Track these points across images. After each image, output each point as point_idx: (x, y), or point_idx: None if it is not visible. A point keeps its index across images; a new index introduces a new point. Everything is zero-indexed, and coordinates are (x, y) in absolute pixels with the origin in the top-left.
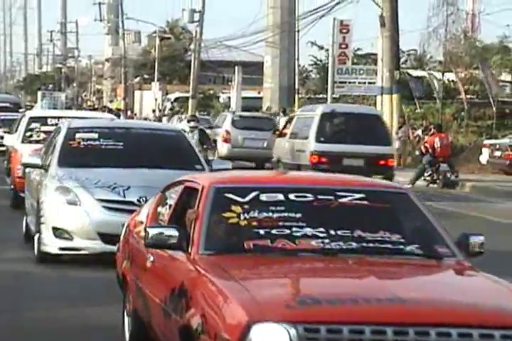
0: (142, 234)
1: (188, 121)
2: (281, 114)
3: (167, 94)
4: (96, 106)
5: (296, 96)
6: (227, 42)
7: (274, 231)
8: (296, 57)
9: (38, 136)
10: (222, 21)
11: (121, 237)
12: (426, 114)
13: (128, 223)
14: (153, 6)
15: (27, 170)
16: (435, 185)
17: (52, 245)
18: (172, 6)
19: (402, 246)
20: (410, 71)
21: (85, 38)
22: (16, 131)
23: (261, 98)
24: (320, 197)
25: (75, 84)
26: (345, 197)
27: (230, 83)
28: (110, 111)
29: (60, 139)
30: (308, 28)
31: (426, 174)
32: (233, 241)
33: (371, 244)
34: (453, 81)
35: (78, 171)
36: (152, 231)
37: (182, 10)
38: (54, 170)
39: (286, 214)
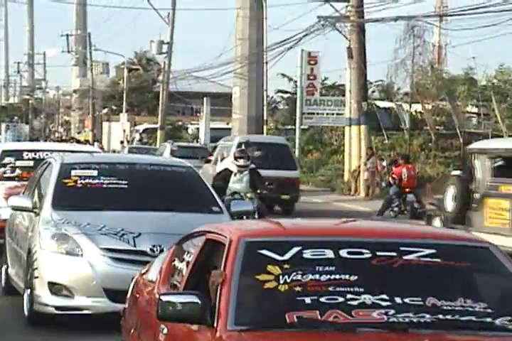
0: (154, 297)
1: (236, 158)
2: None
3: (135, 125)
4: (64, 138)
5: (265, 127)
6: (196, 74)
7: (323, 299)
8: (265, 88)
9: (13, 172)
10: (191, 52)
11: (128, 297)
12: (394, 145)
13: (136, 280)
14: (121, 38)
15: (11, 212)
16: (403, 216)
17: (48, 304)
18: (140, 37)
19: (489, 319)
20: (378, 102)
21: (53, 70)
22: None
23: (229, 129)
24: (380, 253)
25: (42, 116)
26: (411, 253)
27: (198, 114)
28: (78, 142)
29: (52, 177)
30: (277, 59)
31: (393, 205)
32: (271, 312)
33: (449, 316)
34: (420, 112)
35: (77, 215)
36: (167, 299)
37: (150, 41)
38: (48, 213)
39: (337, 277)
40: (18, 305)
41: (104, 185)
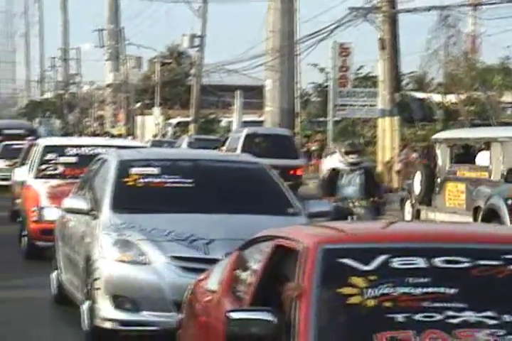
0: (216, 310)
1: (346, 154)
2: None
3: (168, 119)
4: (98, 132)
5: (297, 119)
6: (228, 67)
7: (418, 317)
8: (297, 80)
9: (56, 169)
10: (223, 45)
11: (185, 307)
12: (427, 136)
13: (193, 288)
14: (153, 32)
15: (61, 213)
16: None
17: (110, 318)
18: (172, 30)
19: None
20: (411, 93)
21: (87, 64)
22: (23, 163)
23: (262, 122)
24: (481, 262)
25: (76, 110)
26: None
27: (230, 107)
28: (112, 136)
29: (110, 175)
30: (308, 51)
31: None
32: (358, 332)
33: None
34: (454, 103)
35: (140, 218)
36: (236, 317)
37: (182, 35)
38: (107, 216)
39: (433, 290)
40: (75, 317)
41: (168, 185)
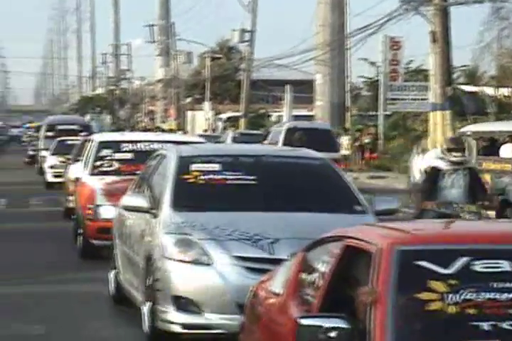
0: (283, 315)
1: (450, 150)
2: (343, 132)
3: (219, 113)
4: (149, 127)
5: (348, 113)
6: (278, 61)
7: (505, 325)
8: (347, 74)
9: (110, 166)
10: (272, 40)
11: (247, 309)
12: None
13: (256, 289)
14: (203, 27)
15: (118, 211)
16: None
17: (173, 321)
18: (222, 25)
19: None
20: (463, 87)
21: (137, 60)
22: (77, 159)
23: (312, 116)
24: None
25: (127, 106)
26: None
27: (281, 102)
28: (163, 131)
29: (170, 172)
30: (359, 45)
31: None
32: None
33: None
34: (507, 96)
35: (201, 216)
36: (308, 323)
37: (232, 30)
38: (168, 215)
39: None
40: (134, 319)
41: (229, 181)
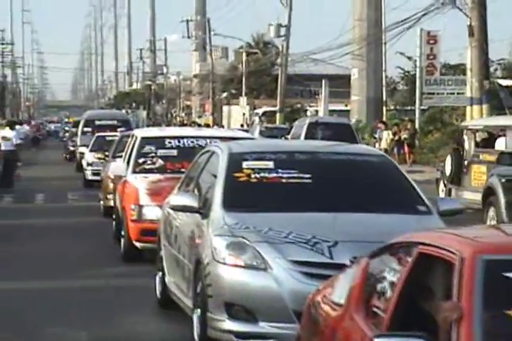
0: (348, 329)
1: None
2: (383, 126)
3: (255, 108)
4: (185, 122)
5: (384, 108)
6: (314, 56)
7: None
8: (384, 69)
9: (154, 164)
10: (308, 35)
11: (305, 319)
12: None
13: (313, 298)
14: (239, 22)
15: (165, 211)
16: None
17: (225, 329)
18: (258, 20)
19: None
20: (500, 80)
21: (174, 55)
22: (115, 155)
23: (348, 111)
24: None
25: (164, 101)
26: None
27: (317, 96)
28: (199, 126)
29: (220, 170)
30: (395, 39)
31: None
32: None
33: None
34: None
35: (254, 217)
36: None
37: (268, 25)
38: (219, 215)
39: None
40: (182, 325)
41: (284, 180)
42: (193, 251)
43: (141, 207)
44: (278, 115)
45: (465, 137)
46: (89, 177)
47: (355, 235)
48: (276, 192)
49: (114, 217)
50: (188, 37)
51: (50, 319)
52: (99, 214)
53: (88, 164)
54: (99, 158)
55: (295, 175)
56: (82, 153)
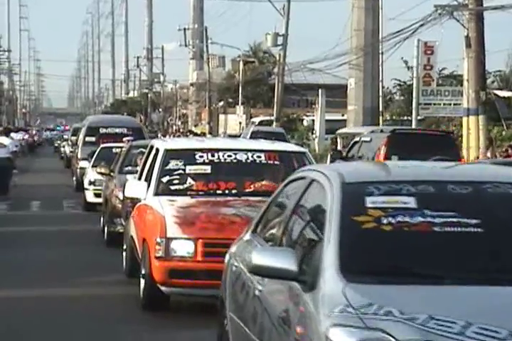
0: None
1: None
2: None
3: (251, 117)
4: (181, 131)
5: (381, 118)
6: (311, 65)
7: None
8: (380, 79)
9: (183, 183)
10: (305, 44)
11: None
12: None
13: None
14: (236, 31)
15: (228, 256)
16: None
17: None
18: (255, 29)
19: None
20: (497, 92)
21: (171, 63)
22: (120, 170)
23: (345, 120)
24: None
25: (160, 109)
26: None
27: (313, 106)
28: (196, 135)
29: (331, 211)
30: (393, 50)
31: None
32: None
33: None
34: None
35: (398, 292)
36: None
37: (265, 34)
38: (335, 287)
39: None
40: None
41: (437, 228)
42: (285, 337)
43: (169, 240)
44: (274, 124)
45: (338, 140)
46: (91, 199)
47: None
48: (429, 250)
49: (124, 248)
50: (186, 45)
51: (44, 330)
52: (99, 242)
53: (90, 182)
54: (102, 174)
55: (454, 219)
56: (83, 169)
